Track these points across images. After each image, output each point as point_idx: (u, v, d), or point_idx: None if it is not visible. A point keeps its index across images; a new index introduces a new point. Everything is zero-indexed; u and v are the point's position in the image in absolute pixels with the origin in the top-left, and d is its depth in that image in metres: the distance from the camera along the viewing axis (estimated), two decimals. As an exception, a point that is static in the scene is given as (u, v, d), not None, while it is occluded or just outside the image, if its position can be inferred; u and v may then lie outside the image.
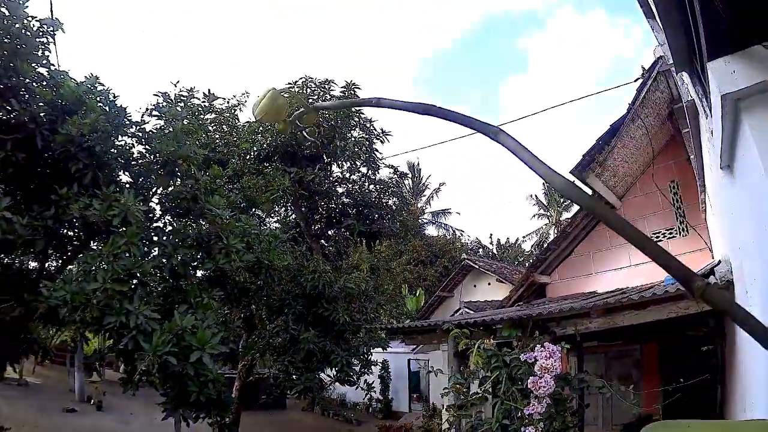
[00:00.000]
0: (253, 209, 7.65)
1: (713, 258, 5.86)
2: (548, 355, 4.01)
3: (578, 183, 7.15)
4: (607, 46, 75.84)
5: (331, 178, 11.64)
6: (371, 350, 9.25)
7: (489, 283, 16.12)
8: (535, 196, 34.60)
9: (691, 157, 5.51)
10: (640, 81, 6.56)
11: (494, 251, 34.07)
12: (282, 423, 14.00)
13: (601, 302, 5.47)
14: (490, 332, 5.92)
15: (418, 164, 33.29)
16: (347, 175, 12.12)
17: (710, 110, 2.64)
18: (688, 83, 3.39)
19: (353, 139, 11.33)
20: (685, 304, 5.00)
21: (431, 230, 32.12)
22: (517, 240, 35.65)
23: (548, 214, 33.82)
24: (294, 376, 8.22)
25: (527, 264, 17.24)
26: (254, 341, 7.97)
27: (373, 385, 8.89)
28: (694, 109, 3.78)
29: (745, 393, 3.44)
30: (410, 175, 32.96)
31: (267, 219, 10.29)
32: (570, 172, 6.78)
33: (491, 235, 36.99)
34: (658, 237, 7.65)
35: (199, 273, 6.59)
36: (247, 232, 6.23)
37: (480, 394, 4.77)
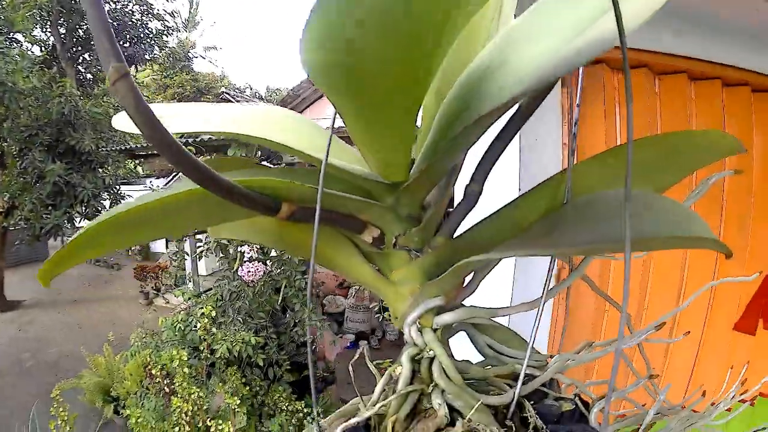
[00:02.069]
0: (12, 33, 6.73)
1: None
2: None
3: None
4: None
5: (94, -5, 10.25)
6: (120, 183, 8.93)
7: (246, 120, 16.56)
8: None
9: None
10: None
11: (263, 95, 34.02)
12: (47, 274, 13.44)
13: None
14: (219, 151, 6.37)
15: (198, -2, 30.61)
16: (111, -8, 10.72)
17: None
18: None
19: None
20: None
21: (201, 66, 30.09)
22: (286, 88, 36.02)
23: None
24: (43, 215, 7.63)
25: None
26: (6, 181, 7.20)
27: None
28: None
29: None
30: (189, 7, 30.34)
31: (27, 45, 8.82)
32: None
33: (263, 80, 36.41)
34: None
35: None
36: (-10, 51, 5.40)
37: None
